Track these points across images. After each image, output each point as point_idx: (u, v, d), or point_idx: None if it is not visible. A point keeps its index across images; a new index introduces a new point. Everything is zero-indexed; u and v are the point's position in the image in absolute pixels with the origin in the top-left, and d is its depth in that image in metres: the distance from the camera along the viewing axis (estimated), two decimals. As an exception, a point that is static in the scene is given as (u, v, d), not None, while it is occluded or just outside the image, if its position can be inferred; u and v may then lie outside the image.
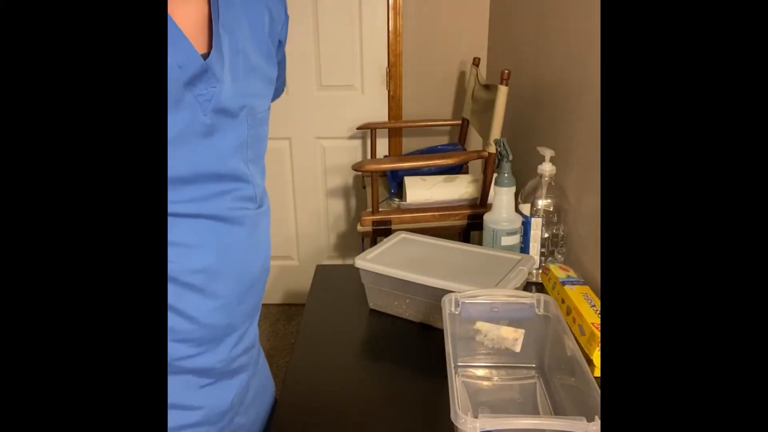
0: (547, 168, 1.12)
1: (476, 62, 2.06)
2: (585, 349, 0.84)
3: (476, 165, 2.28)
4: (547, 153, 1.13)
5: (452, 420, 0.57)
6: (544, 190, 1.12)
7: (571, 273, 1.00)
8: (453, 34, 2.31)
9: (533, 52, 1.63)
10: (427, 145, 2.35)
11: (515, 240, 1.09)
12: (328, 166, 2.47)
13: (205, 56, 0.56)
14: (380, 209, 1.75)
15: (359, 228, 1.71)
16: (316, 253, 2.57)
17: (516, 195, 1.12)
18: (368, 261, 0.95)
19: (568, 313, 0.92)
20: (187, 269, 0.57)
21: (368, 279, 0.97)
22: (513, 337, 0.79)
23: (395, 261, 0.95)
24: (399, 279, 0.91)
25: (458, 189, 1.74)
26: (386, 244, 1.02)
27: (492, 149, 1.62)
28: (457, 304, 0.78)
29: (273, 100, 0.71)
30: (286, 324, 2.47)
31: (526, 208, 1.13)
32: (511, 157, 1.09)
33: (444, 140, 2.44)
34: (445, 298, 0.78)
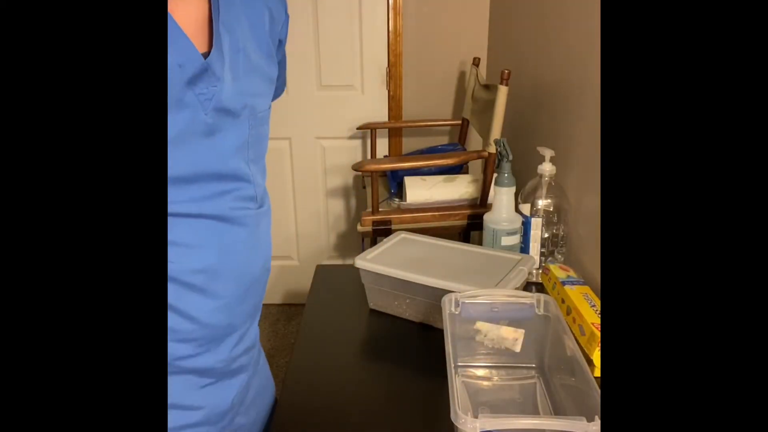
0: (547, 168, 1.12)
1: (476, 62, 2.06)
2: (585, 349, 0.84)
3: (476, 165, 2.28)
4: (547, 153, 1.13)
5: (452, 420, 0.57)
6: (544, 190, 1.12)
7: (571, 273, 1.00)
8: (453, 34, 2.31)
9: (533, 52, 1.63)
10: (427, 145, 2.35)
11: (515, 240, 1.09)
12: (328, 166, 2.47)
13: (206, 55, 0.56)
14: (380, 209, 1.75)
15: (359, 228, 1.71)
16: (316, 253, 2.57)
17: (516, 195, 1.12)
18: (368, 261, 0.95)
19: (568, 313, 0.92)
20: (188, 269, 0.57)
21: (368, 279, 0.97)
22: (513, 337, 0.79)
23: (395, 261, 0.95)
24: (399, 279, 0.91)
25: (458, 189, 1.74)
26: (386, 244, 1.02)
27: (492, 149, 1.62)
28: (457, 304, 0.78)
29: (273, 99, 0.71)
30: (286, 324, 2.47)
31: (526, 208, 1.13)
32: (511, 157, 1.09)
33: (444, 140, 2.44)
34: (445, 298, 0.78)
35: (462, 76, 2.36)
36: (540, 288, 1.07)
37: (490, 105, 1.66)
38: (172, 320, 0.57)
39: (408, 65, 2.34)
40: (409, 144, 2.43)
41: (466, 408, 0.74)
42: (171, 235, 0.55)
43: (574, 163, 1.25)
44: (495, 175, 1.12)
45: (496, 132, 1.62)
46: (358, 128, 2.34)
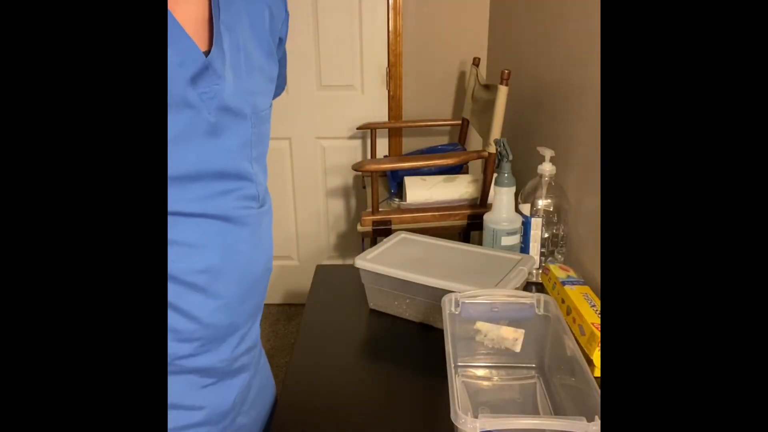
0: (547, 168, 1.12)
1: (476, 62, 2.06)
2: (585, 349, 0.84)
3: (476, 165, 2.28)
4: (547, 153, 1.13)
5: (452, 420, 0.57)
6: (544, 190, 1.12)
7: (571, 273, 1.00)
8: (453, 34, 2.31)
9: (533, 52, 1.63)
10: (427, 145, 2.35)
11: (515, 240, 1.09)
12: (328, 166, 2.47)
13: (206, 54, 0.56)
14: (380, 209, 1.75)
15: (359, 228, 1.71)
16: (316, 253, 2.57)
17: (516, 195, 1.12)
18: (368, 261, 0.95)
19: (568, 313, 0.92)
20: (191, 269, 0.57)
21: (368, 279, 0.97)
22: (513, 337, 0.79)
23: (395, 261, 0.95)
24: (399, 279, 0.91)
25: (458, 189, 1.74)
26: (386, 244, 1.02)
27: (492, 149, 1.62)
28: (457, 304, 0.78)
29: (274, 98, 0.71)
30: (286, 324, 2.47)
31: (526, 208, 1.13)
32: (511, 157, 1.09)
33: (444, 140, 2.44)
34: (445, 298, 0.78)
35: (462, 76, 2.36)
36: (540, 288, 1.07)
37: (490, 105, 1.66)
38: (174, 320, 0.57)
39: (408, 65, 2.34)
40: (409, 144, 2.43)
41: (466, 408, 0.74)
42: (174, 235, 0.55)
43: (574, 163, 1.25)
44: (495, 175, 1.12)
45: (496, 132, 1.62)
46: (358, 128, 2.34)
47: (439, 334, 0.90)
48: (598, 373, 0.82)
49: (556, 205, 1.13)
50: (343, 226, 2.54)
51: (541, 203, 1.12)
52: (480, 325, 0.80)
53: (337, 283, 1.10)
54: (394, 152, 2.44)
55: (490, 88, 1.75)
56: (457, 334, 0.80)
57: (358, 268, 0.95)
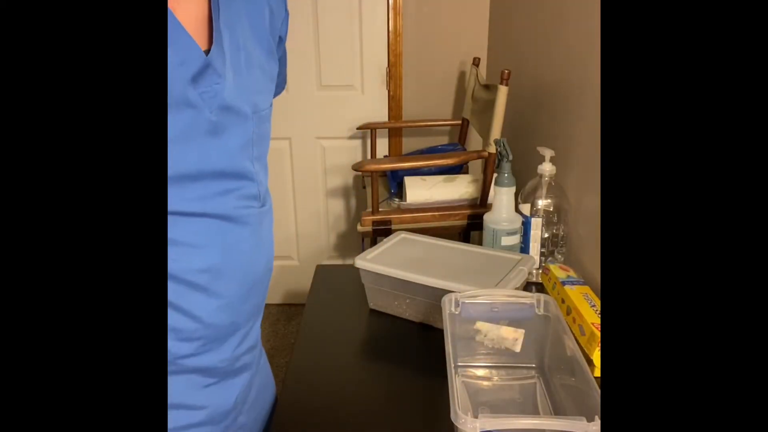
0: (547, 168, 1.12)
1: (476, 62, 2.06)
2: (585, 349, 0.84)
3: (476, 165, 2.28)
4: (547, 153, 1.13)
5: (452, 420, 0.57)
6: (544, 190, 1.12)
7: (571, 273, 1.00)
8: (453, 34, 2.31)
9: (533, 52, 1.63)
10: (427, 145, 2.35)
11: (515, 240, 1.09)
12: (328, 166, 2.47)
13: (206, 53, 0.56)
14: (380, 209, 1.75)
15: (359, 228, 1.71)
16: (316, 253, 2.57)
17: (516, 195, 1.12)
18: (368, 261, 0.95)
19: (568, 313, 0.92)
20: (192, 268, 0.57)
21: (368, 279, 0.97)
22: (513, 337, 0.79)
23: (395, 261, 0.95)
24: (399, 279, 0.91)
25: (458, 189, 1.75)
26: (386, 244, 1.02)
27: (492, 149, 1.62)
28: (457, 304, 0.78)
29: (274, 97, 0.71)
30: (286, 324, 2.47)
31: (526, 208, 1.13)
32: (511, 157, 1.09)
33: (444, 140, 2.44)
34: (445, 298, 0.78)
35: (462, 76, 2.36)
36: (540, 288, 1.07)
37: (490, 105, 1.66)
38: (176, 319, 0.57)
39: (408, 65, 2.34)
40: (409, 144, 2.43)
41: (466, 408, 0.74)
42: (175, 234, 0.55)
43: (574, 163, 1.25)
44: (495, 175, 1.12)
45: (496, 132, 1.62)
46: (358, 128, 2.34)
47: (439, 334, 0.90)
48: (598, 373, 0.82)
49: (556, 205, 1.13)
50: (343, 226, 2.54)
51: (541, 203, 1.12)
52: (480, 325, 0.80)
53: (337, 283, 1.10)
54: (394, 152, 2.44)
55: (490, 88, 1.75)
56: (457, 334, 0.80)
57: (358, 268, 0.95)
